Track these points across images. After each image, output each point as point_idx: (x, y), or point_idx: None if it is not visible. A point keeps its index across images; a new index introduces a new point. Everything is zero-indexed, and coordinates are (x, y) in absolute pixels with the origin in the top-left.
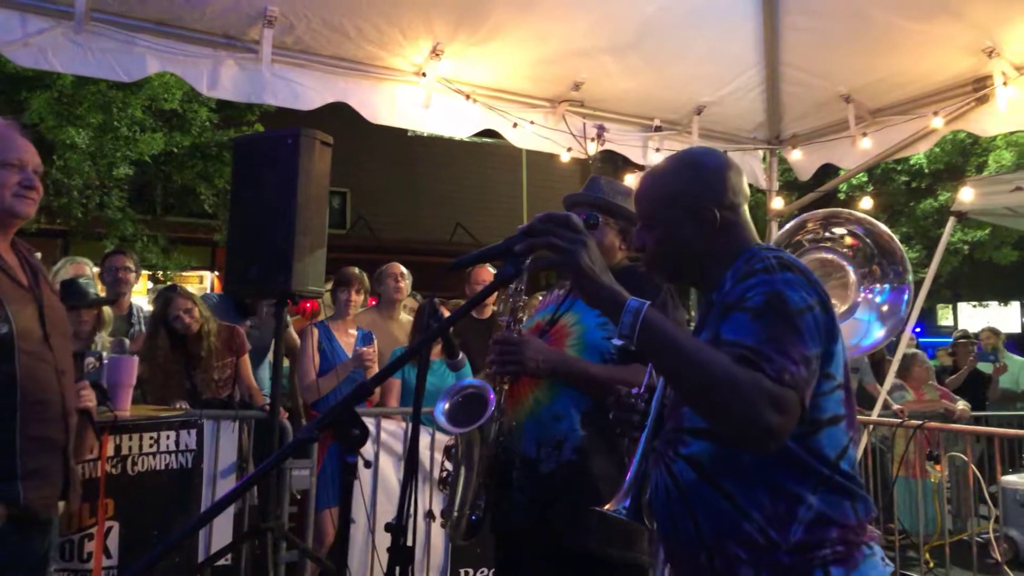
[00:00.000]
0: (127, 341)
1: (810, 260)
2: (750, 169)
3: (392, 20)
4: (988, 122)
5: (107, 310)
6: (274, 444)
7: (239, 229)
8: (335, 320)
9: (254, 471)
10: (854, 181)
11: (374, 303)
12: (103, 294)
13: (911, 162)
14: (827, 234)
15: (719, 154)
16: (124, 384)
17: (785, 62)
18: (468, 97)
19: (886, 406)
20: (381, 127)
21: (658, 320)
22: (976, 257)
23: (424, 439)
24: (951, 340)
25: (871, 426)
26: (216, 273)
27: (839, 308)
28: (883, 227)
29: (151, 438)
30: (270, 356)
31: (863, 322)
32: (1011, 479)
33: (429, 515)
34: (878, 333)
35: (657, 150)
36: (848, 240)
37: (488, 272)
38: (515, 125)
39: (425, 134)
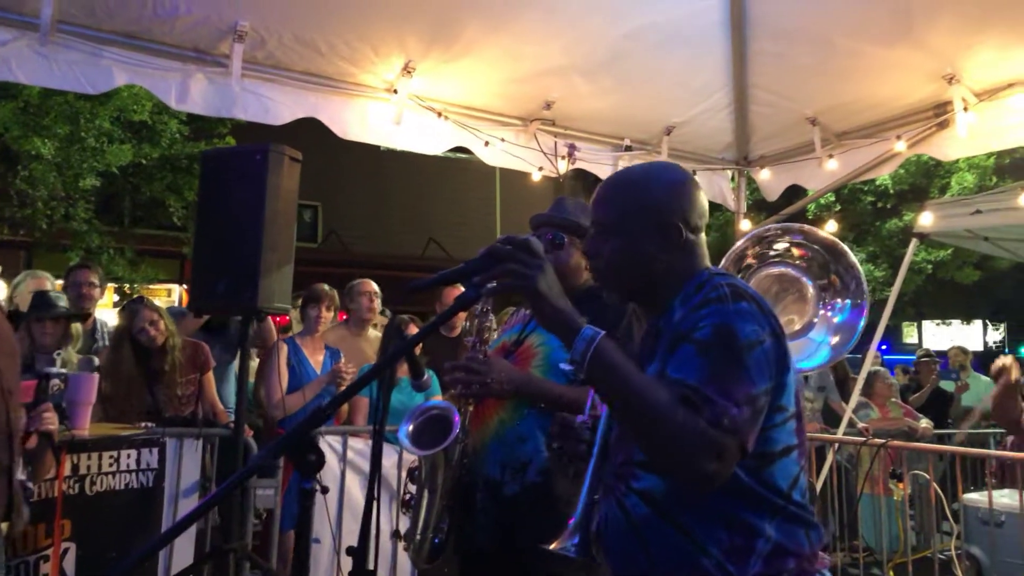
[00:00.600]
0: (95, 359)
1: (764, 276)
2: (719, 189)
3: (364, 37)
4: (949, 146)
5: (76, 326)
6: (238, 462)
7: (206, 244)
8: (304, 336)
9: (215, 491)
10: (822, 201)
11: (344, 318)
12: None
13: (877, 183)
14: (772, 252)
15: (689, 173)
16: (83, 402)
17: (753, 84)
18: (440, 114)
19: (851, 424)
20: (355, 141)
21: (609, 352)
22: (939, 276)
23: (391, 458)
24: (914, 358)
25: (836, 444)
26: (184, 286)
27: (796, 324)
28: (817, 230)
29: (111, 457)
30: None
31: (814, 343)
32: (972, 497)
33: (396, 535)
34: (824, 357)
35: None
36: (795, 251)
37: (458, 290)
38: (487, 143)
39: (398, 149)
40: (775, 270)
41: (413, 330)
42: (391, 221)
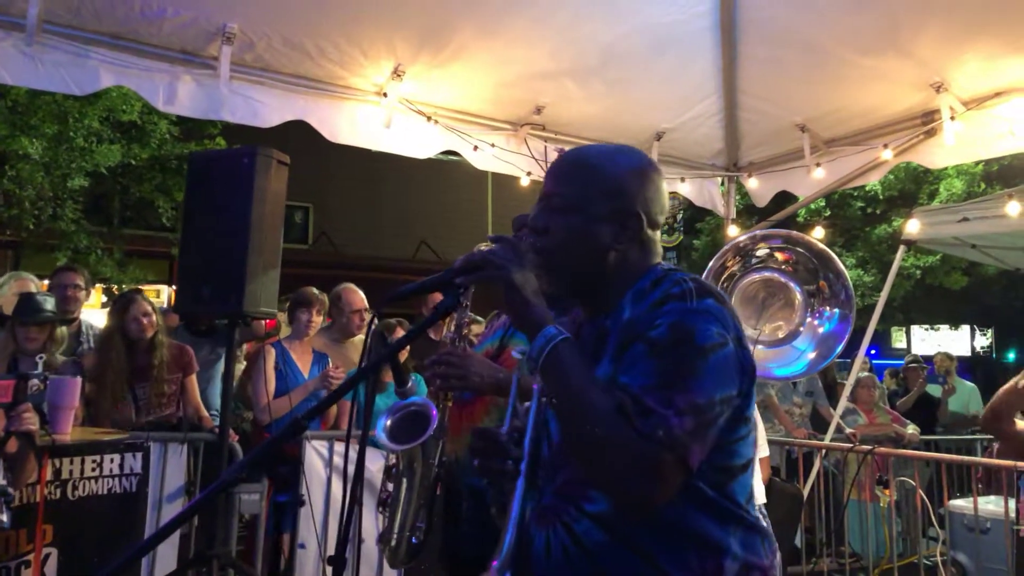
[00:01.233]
0: (80, 363)
1: (749, 283)
2: (708, 195)
3: (353, 40)
4: (936, 155)
5: (61, 329)
6: (223, 467)
7: (192, 248)
8: (292, 340)
9: (192, 501)
10: (812, 206)
11: (331, 321)
12: None
13: (866, 189)
14: (754, 259)
15: (654, 161)
16: (65, 406)
17: (743, 91)
18: (429, 118)
19: (839, 430)
20: (344, 144)
21: (566, 354)
22: (928, 282)
23: (378, 463)
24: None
25: (824, 450)
26: (173, 287)
27: (782, 331)
28: (797, 233)
29: (94, 461)
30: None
31: (796, 351)
32: (958, 503)
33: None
34: (801, 367)
35: None
36: (779, 256)
37: None
38: (476, 148)
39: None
40: (760, 275)
41: (400, 333)
42: (383, 223)
